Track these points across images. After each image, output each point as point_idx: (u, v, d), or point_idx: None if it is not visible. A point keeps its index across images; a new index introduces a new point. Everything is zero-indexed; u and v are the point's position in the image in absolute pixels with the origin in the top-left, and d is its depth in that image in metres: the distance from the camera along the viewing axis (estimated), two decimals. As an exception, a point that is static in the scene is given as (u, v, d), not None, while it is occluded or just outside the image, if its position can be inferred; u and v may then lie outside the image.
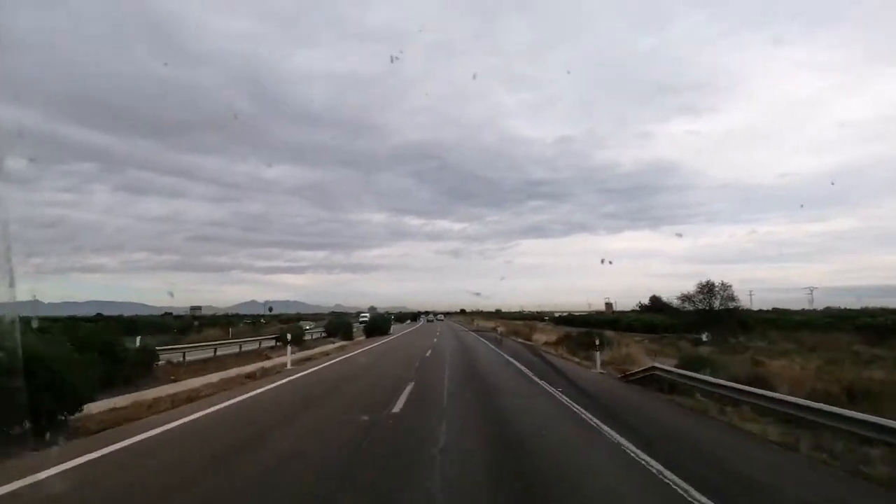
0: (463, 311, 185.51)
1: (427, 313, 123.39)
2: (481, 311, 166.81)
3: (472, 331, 52.80)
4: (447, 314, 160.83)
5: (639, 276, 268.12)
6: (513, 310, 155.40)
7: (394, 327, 56.14)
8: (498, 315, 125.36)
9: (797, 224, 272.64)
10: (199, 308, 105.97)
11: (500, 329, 42.96)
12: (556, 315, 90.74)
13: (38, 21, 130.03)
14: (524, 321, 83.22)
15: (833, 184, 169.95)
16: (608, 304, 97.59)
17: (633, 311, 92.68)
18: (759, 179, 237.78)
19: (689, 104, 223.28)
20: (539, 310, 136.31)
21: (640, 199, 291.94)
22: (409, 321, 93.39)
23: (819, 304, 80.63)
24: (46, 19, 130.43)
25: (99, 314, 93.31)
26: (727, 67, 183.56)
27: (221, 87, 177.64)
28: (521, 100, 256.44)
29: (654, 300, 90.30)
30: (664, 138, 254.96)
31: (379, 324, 44.35)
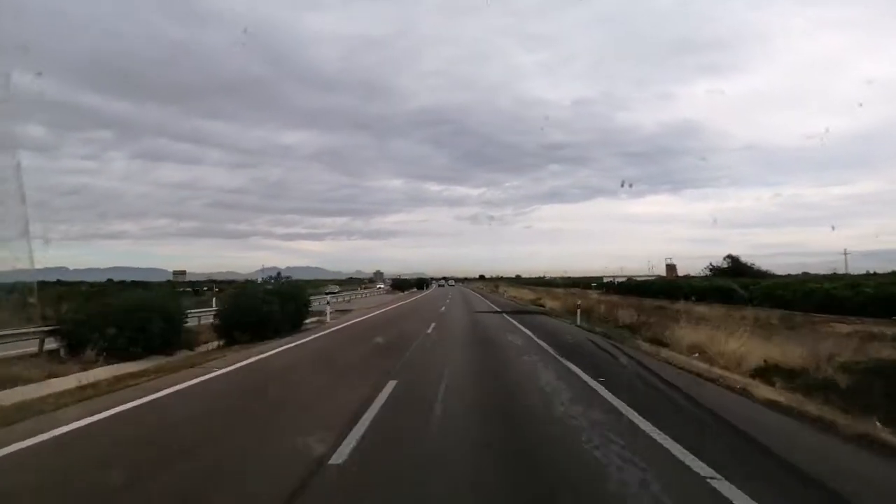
0: (482, 277, 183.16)
1: (442, 279, 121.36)
2: (501, 277, 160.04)
3: (510, 313, 24.50)
4: (465, 280, 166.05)
5: (661, 241, 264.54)
6: (534, 275, 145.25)
7: (380, 299, 42.38)
8: (520, 281, 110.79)
9: (823, 187, 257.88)
10: (182, 272, 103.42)
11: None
12: (608, 281, 73.50)
13: None
14: (565, 289, 67.17)
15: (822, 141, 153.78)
16: (670, 267, 79.34)
17: (701, 275, 74.43)
18: (783, 140, 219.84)
19: (711, 63, 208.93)
20: (563, 275, 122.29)
21: (662, 162, 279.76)
22: (414, 289, 76.97)
23: (841, 269, 64.97)
24: None
25: (110, 280, 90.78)
26: (750, 24, 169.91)
27: (232, 50, 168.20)
28: (537, 60, 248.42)
29: (732, 261, 72.58)
30: (685, 99, 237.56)
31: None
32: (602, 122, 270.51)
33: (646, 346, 13.04)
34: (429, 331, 15.41)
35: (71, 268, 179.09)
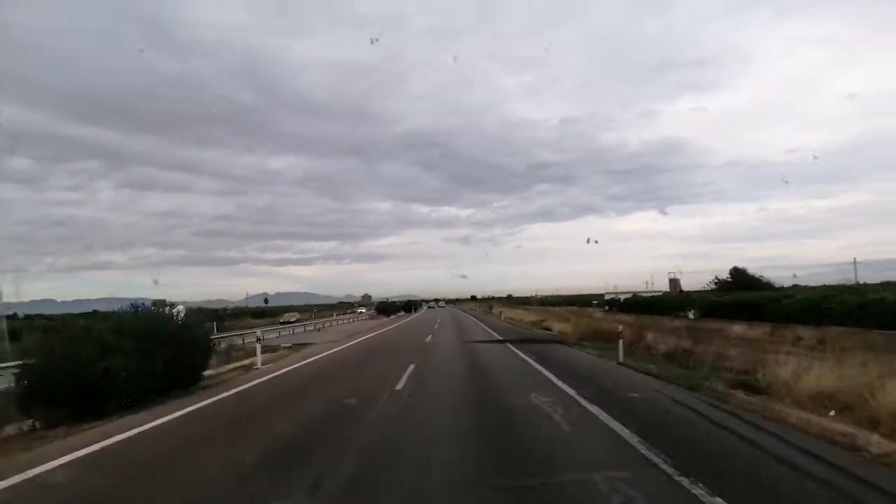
0: (474, 298, 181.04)
1: (433, 301, 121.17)
2: (493, 297, 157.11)
3: (517, 342, 18.61)
4: (457, 301, 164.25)
5: (649, 258, 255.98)
6: (525, 294, 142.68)
7: (357, 326, 36.77)
8: (512, 301, 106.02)
9: (806, 200, 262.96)
10: (162, 301, 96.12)
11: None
12: (610, 298, 68.05)
13: (34, 19, 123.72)
14: (564, 307, 61.49)
15: (816, 157, 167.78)
16: (673, 282, 74.25)
17: (706, 289, 69.63)
18: (767, 156, 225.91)
19: (694, 81, 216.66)
20: (554, 293, 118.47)
21: (648, 179, 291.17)
22: (402, 312, 70.61)
23: (831, 280, 63.16)
24: (42, 17, 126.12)
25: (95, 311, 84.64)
26: (732, 42, 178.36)
27: (220, 79, 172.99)
28: (522, 82, 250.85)
29: (738, 274, 67.88)
30: (669, 116, 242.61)
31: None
32: (588, 141, 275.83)
33: (743, 397, 7.67)
34: (399, 385, 9.44)
35: (59, 300, 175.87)
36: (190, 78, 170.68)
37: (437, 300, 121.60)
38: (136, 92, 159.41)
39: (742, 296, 43.05)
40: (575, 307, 66.01)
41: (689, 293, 69.36)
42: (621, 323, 21.54)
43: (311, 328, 34.64)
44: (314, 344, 20.10)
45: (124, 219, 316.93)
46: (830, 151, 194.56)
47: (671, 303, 56.05)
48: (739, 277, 67.34)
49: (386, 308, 64.02)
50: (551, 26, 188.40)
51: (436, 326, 32.51)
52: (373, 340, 21.99)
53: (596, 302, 68.39)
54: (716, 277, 69.12)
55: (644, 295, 62.33)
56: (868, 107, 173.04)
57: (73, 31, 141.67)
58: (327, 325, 40.23)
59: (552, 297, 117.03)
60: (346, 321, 47.27)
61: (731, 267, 68.17)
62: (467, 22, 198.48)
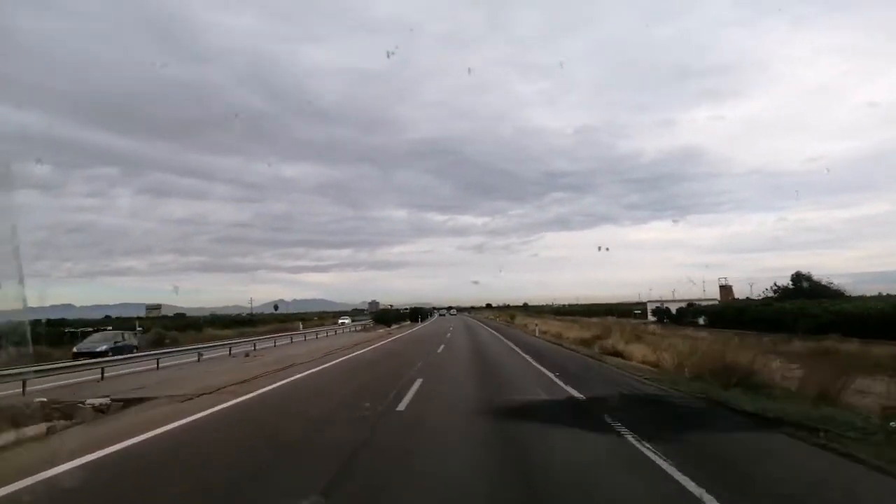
0: (489, 306, 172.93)
1: (444, 309, 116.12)
2: (508, 305, 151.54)
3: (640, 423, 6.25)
4: (472, 309, 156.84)
5: (667, 268, 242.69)
6: (542, 303, 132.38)
7: (331, 343, 26.26)
8: (530, 310, 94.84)
9: (827, 210, 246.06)
10: (157, 307, 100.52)
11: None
12: (655, 307, 56.30)
13: (46, 24, 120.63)
14: (602, 318, 50.19)
15: (828, 171, 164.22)
16: (725, 289, 62.33)
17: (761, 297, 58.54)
18: (786, 165, 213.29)
19: (712, 89, 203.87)
20: (573, 302, 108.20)
21: (665, 188, 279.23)
22: (406, 322, 59.72)
23: (852, 291, 53.28)
24: (56, 24, 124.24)
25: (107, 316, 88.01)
26: (749, 51, 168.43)
27: (233, 86, 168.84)
28: (538, 89, 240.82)
29: (799, 280, 56.59)
30: (687, 125, 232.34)
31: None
32: (604, 149, 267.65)
33: None
34: None
35: (77, 305, 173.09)
36: (201, 84, 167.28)
37: (449, 308, 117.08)
38: (149, 98, 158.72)
39: (870, 304, 31.37)
40: (612, 317, 54.56)
41: (744, 300, 57.36)
42: (722, 342, 12.46)
43: (259, 346, 23.97)
44: (172, 400, 9.18)
45: (143, 225, 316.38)
46: (853, 160, 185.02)
47: (717, 310, 44.46)
48: (803, 284, 56.21)
49: (383, 317, 51.11)
50: (567, 32, 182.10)
51: (442, 347, 21.55)
52: (317, 380, 11.29)
53: (639, 311, 56.64)
54: (774, 284, 57.72)
55: (703, 304, 50.38)
56: (889, 115, 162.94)
57: (86, 36, 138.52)
58: (294, 340, 29.55)
59: (572, 306, 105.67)
60: (324, 334, 36.53)
61: (792, 273, 56.77)
62: (481, 29, 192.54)
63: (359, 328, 44.71)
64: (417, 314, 66.63)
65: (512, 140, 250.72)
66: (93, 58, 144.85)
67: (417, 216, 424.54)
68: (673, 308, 52.01)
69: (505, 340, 26.35)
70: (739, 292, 59.10)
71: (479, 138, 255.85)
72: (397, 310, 68.79)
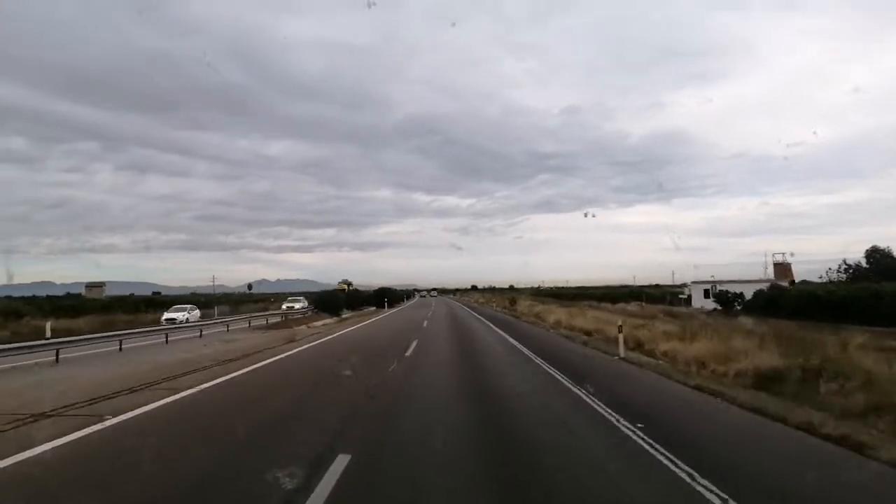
0: (475, 288, 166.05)
1: (425, 291, 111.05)
2: (494, 288, 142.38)
3: None
4: (457, 291, 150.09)
5: (652, 251, 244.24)
6: (528, 286, 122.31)
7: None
8: (515, 292, 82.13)
9: (809, 196, 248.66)
10: (100, 285, 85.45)
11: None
12: (708, 288, 43.16)
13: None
14: (610, 303, 37.28)
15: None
16: (782, 267, 49.39)
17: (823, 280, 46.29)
18: (770, 150, 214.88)
19: (699, 71, 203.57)
20: (560, 285, 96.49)
21: (650, 171, 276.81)
22: (371, 308, 46.40)
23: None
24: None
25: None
26: (737, 34, 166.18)
27: (215, 59, 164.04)
28: (525, 68, 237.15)
29: (877, 256, 44.93)
30: (673, 107, 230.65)
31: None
32: (591, 130, 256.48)
33: None
34: None
35: (58, 282, 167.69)
36: (180, 57, 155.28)
37: (430, 290, 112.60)
38: (127, 70, 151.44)
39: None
40: (633, 304, 41.72)
41: (801, 283, 44.51)
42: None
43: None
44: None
45: (124, 201, 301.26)
46: (836, 146, 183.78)
47: (789, 296, 31.80)
48: (884, 263, 43.92)
49: (332, 303, 34.05)
50: (555, 12, 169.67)
51: (409, 352, 9.44)
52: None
53: (684, 296, 43.41)
54: (844, 262, 45.44)
55: (742, 283, 37.48)
56: (873, 100, 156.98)
57: (63, 4, 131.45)
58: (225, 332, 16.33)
59: (560, 288, 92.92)
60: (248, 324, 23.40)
61: (869, 247, 44.32)
62: (468, 4, 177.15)
63: (299, 315, 31.32)
64: (384, 297, 51.60)
65: (499, 120, 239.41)
66: (67, 27, 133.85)
67: (403, 196, 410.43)
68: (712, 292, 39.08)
69: (503, 334, 13.76)
70: (730, 274, 46.61)
71: (466, 117, 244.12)
72: (357, 290, 53.22)
